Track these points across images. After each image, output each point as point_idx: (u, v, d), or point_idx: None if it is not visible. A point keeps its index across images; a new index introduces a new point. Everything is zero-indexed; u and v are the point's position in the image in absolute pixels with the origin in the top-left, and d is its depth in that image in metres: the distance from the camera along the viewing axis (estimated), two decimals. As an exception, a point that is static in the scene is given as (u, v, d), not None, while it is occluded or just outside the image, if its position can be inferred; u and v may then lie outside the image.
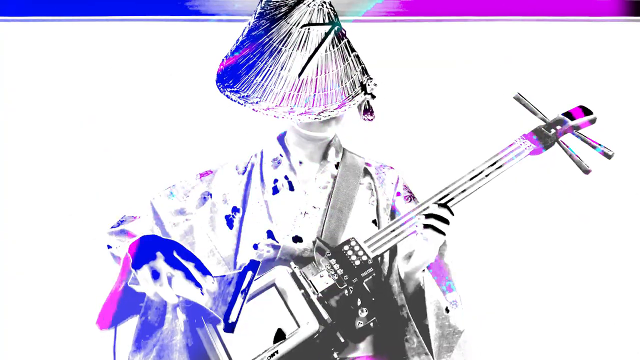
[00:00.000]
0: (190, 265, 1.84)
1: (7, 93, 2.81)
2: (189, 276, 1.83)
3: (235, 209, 2.15)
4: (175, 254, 1.84)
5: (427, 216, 1.96)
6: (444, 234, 1.96)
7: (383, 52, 2.37)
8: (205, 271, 1.85)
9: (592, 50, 2.78)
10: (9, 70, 2.82)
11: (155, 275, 1.82)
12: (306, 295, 1.94)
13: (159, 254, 1.84)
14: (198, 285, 1.84)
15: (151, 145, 2.75)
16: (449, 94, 2.76)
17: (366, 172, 2.21)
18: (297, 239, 2.08)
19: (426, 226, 1.95)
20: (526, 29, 2.81)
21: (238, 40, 2.07)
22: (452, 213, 1.99)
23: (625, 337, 2.65)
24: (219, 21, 2.82)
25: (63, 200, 2.74)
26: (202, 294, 1.85)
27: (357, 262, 1.97)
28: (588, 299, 2.65)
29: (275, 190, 2.15)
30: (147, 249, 1.85)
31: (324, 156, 2.18)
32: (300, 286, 1.95)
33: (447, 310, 2.05)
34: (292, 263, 2.00)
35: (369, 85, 2.03)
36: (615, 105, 2.49)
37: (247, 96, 2.00)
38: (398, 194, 2.21)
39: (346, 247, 1.99)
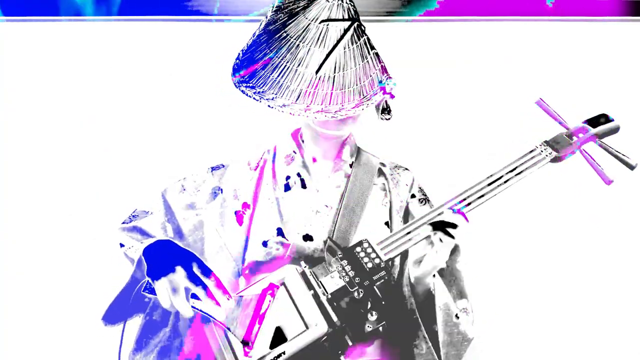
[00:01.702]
0: (211, 284, 1.81)
1: (7, 93, 2.74)
2: (209, 294, 1.80)
3: (245, 205, 2.08)
4: (195, 269, 1.81)
5: (440, 222, 1.88)
6: (453, 237, 1.88)
7: (383, 52, 2.29)
8: (224, 290, 1.81)
9: (592, 51, 2.73)
10: (9, 70, 2.74)
11: (174, 289, 1.79)
12: (316, 296, 1.87)
13: (178, 268, 1.80)
14: (218, 304, 1.80)
15: (152, 145, 2.69)
16: (450, 95, 2.72)
17: (380, 173, 2.14)
18: (307, 238, 2.02)
19: (437, 230, 1.87)
20: (526, 29, 2.76)
21: (255, 34, 1.99)
22: (466, 219, 1.90)
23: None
24: (219, 21, 2.75)
25: (63, 200, 2.67)
26: (222, 313, 1.82)
27: (370, 265, 1.89)
28: (604, 308, 2.60)
29: (287, 187, 2.08)
30: (164, 259, 1.83)
31: (338, 155, 2.10)
32: (310, 287, 1.88)
33: (456, 316, 1.98)
34: (302, 262, 1.93)
35: (388, 84, 1.95)
36: (615, 106, 2.41)
37: (262, 92, 1.93)
38: (413, 196, 2.14)
39: (358, 249, 1.90)
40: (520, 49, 2.75)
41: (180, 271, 1.80)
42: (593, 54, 2.74)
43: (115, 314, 1.96)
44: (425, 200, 2.14)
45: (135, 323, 1.98)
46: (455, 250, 2.04)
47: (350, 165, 2.10)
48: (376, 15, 2.75)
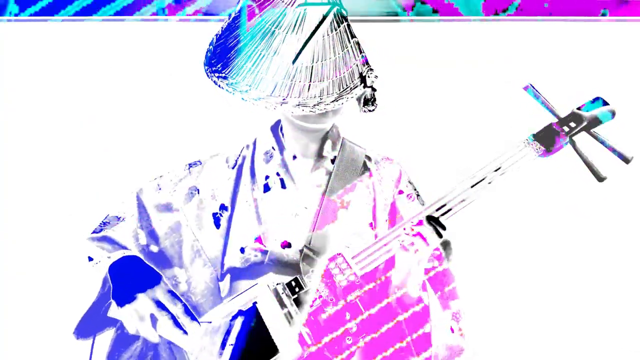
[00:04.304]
0: (178, 310, 1.72)
1: (7, 93, 2.65)
2: (176, 322, 1.71)
3: (223, 207, 1.94)
4: (161, 295, 1.72)
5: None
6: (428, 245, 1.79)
7: (383, 52, 2.16)
8: (192, 316, 1.73)
9: (592, 51, 2.61)
10: (9, 70, 2.65)
11: (140, 316, 1.72)
12: (288, 315, 1.76)
13: (143, 296, 1.73)
14: (185, 332, 1.71)
15: (152, 144, 2.59)
16: (449, 94, 2.59)
17: (365, 168, 1.97)
18: (285, 244, 1.88)
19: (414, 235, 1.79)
20: (526, 29, 2.63)
21: (230, 16, 1.83)
22: (443, 227, 1.78)
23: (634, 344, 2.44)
24: (219, 21, 2.63)
25: (63, 200, 2.56)
26: (189, 342, 1.73)
27: (344, 283, 1.78)
28: (600, 305, 2.45)
29: (267, 188, 1.93)
30: (129, 282, 1.76)
31: (320, 150, 1.94)
32: (283, 305, 1.77)
33: (451, 329, 1.87)
34: (275, 280, 1.80)
35: (369, 77, 1.79)
36: (615, 106, 2.27)
37: (236, 83, 1.77)
38: (400, 192, 1.98)
39: (332, 265, 1.79)
40: (520, 49, 2.63)
41: (145, 299, 1.73)
42: (593, 54, 2.61)
43: (86, 328, 1.90)
44: (414, 195, 1.98)
45: (107, 337, 1.91)
46: (447, 249, 1.92)
47: (333, 161, 1.94)
48: (377, 15, 2.62)
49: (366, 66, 1.80)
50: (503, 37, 2.61)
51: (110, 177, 2.56)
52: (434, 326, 1.82)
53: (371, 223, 1.92)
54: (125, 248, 1.92)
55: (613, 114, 1.82)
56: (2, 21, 2.70)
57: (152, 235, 1.95)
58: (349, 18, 1.85)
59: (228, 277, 1.90)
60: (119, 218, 1.97)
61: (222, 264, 1.90)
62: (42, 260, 2.54)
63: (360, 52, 1.81)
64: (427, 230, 1.77)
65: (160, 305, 1.71)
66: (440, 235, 1.77)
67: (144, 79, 2.62)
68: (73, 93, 2.65)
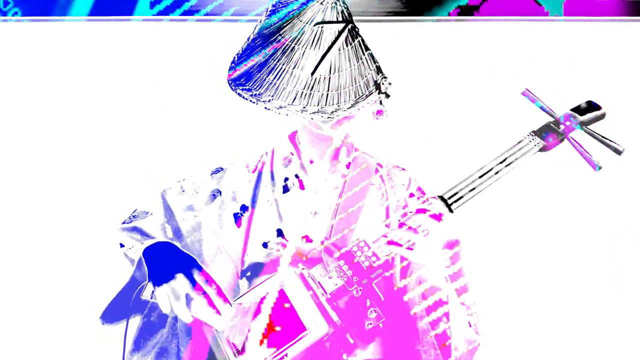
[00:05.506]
0: (212, 292, 1.82)
1: (7, 93, 2.71)
2: (210, 303, 1.82)
3: (244, 207, 2.08)
4: (196, 276, 1.83)
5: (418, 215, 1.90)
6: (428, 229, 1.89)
7: (384, 52, 2.27)
8: (224, 298, 1.83)
9: (592, 51, 2.71)
10: (9, 70, 2.72)
11: (175, 295, 1.80)
12: (315, 297, 1.88)
13: (180, 275, 1.83)
14: (219, 312, 1.82)
15: (152, 145, 2.67)
16: (450, 95, 2.69)
17: (377, 173, 2.13)
18: (306, 239, 2.01)
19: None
20: (526, 29, 2.74)
21: (249, 38, 1.97)
22: (450, 210, 1.91)
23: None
24: (220, 21, 2.72)
25: (63, 200, 2.64)
26: (222, 321, 1.84)
27: (366, 264, 1.91)
28: (601, 300, 2.57)
29: (286, 189, 2.07)
30: (165, 263, 1.86)
31: (335, 156, 2.09)
32: (309, 288, 1.90)
33: (469, 324, 1.98)
34: (300, 264, 1.94)
35: (383, 84, 1.93)
36: (615, 106, 2.40)
37: (259, 94, 1.92)
38: (411, 195, 2.12)
39: (355, 248, 1.92)
40: (520, 50, 2.72)
41: (181, 278, 1.83)
42: (593, 54, 2.72)
43: (113, 314, 1.98)
44: (423, 199, 2.11)
45: (133, 323, 1.99)
46: (456, 245, 2.06)
47: (347, 166, 2.09)
48: (377, 15, 2.72)
49: (380, 74, 1.95)
50: (503, 38, 2.71)
51: (110, 177, 2.64)
52: (453, 319, 1.93)
53: (384, 221, 2.06)
54: (154, 239, 2.03)
55: (602, 116, 2.01)
56: (2, 21, 2.77)
57: (177, 232, 2.07)
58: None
59: (249, 273, 2.02)
60: (147, 213, 2.10)
61: (243, 261, 2.03)
62: (41, 260, 2.62)
63: (374, 63, 1.96)
64: (438, 206, 1.89)
65: (196, 285, 1.82)
66: (451, 211, 1.90)
67: (144, 80, 2.69)
68: (73, 93, 2.71)
